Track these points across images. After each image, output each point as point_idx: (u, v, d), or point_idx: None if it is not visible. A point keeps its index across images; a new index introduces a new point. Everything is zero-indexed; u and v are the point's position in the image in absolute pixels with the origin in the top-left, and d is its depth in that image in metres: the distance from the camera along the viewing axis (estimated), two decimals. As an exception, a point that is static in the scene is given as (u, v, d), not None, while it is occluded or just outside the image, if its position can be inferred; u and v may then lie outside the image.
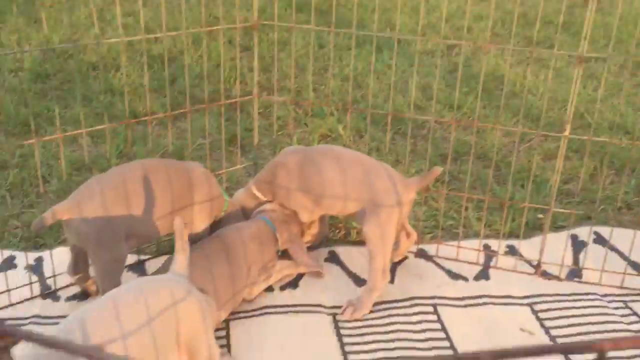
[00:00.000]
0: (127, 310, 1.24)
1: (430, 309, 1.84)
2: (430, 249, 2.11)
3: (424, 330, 1.75)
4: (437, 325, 1.76)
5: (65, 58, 3.69)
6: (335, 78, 3.51)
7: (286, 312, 1.80)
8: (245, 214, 2.01)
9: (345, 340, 1.71)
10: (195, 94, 3.20)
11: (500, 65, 3.75)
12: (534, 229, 2.24)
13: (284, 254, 1.97)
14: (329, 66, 3.05)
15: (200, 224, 1.85)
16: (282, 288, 1.91)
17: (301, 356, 1.64)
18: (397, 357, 1.65)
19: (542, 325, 1.77)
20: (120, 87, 3.28)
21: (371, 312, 1.81)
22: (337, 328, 1.76)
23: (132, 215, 1.64)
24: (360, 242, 2.16)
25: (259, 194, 1.98)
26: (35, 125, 2.83)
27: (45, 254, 2.00)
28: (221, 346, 1.65)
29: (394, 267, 2.01)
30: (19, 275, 1.90)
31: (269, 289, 1.90)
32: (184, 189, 1.77)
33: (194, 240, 1.81)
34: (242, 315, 1.78)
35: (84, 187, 1.65)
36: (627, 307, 1.85)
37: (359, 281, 1.95)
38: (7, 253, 2.00)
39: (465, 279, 1.98)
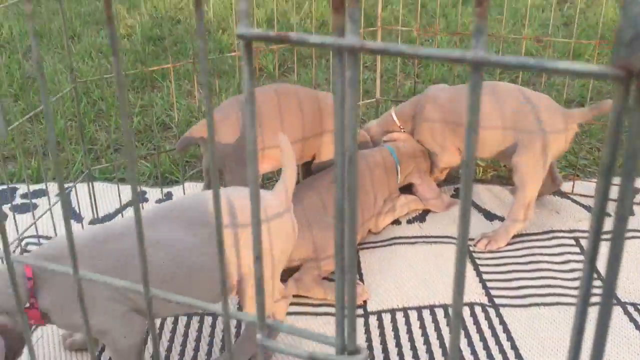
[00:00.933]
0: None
1: (572, 241, 1.72)
2: (566, 187, 1.97)
3: (567, 262, 1.64)
4: (581, 257, 1.64)
5: (174, 24, 3.78)
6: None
7: (415, 242, 1.74)
8: (374, 144, 1.96)
9: (482, 269, 1.63)
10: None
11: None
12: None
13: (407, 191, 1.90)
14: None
15: (328, 154, 1.81)
16: (409, 221, 1.84)
17: (435, 279, 1.58)
18: (542, 286, 1.55)
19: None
20: (229, 45, 3.32)
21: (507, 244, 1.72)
22: (472, 257, 1.68)
23: (263, 138, 1.63)
24: (485, 180, 2.05)
25: (397, 121, 1.91)
26: (152, 79, 2.91)
27: (174, 188, 2.05)
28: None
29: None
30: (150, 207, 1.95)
31: (396, 222, 1.84)
32: (315, 116, 1.74)
33: (318, 170, 1.78)
34: (370, 245, 1.74)
35: (220, 108, 1.66)
36: None
37: (490, 216, 1.86)
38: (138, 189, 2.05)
39: (608, 214, 1.84)
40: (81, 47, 3.35)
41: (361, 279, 1.60)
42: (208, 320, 1.47)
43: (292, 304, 1.52)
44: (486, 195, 1.97)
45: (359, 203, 1.67)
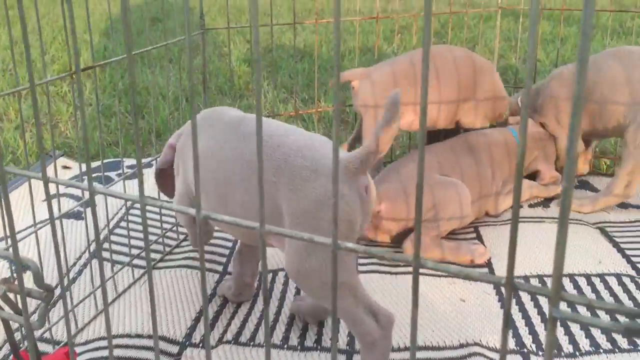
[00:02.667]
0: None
1: None
2: None
3: None
4: None
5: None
6: None
7: (541, 222, 1.58)
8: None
9: (623, 245, 1.45)
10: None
11: None
12: None
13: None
14: None
15: (477, 122, 1.71)
16: (531, 206, 1.69)
17: (574, 252, 1.41)
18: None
19: None
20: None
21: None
22: (608, 235, 1.50)
23: (417, 93, 1.59)
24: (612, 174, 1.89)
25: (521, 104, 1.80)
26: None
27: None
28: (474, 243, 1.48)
29: None
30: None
31: (516, 205, 1.69)
32: (469, 79, 1.66)
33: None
34: (490, 223, 1.60)
35: (378, 64, 1.68)
36: None
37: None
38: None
39: None
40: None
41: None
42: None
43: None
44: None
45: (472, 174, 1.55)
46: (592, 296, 1.26)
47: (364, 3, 5.38)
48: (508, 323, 0.41)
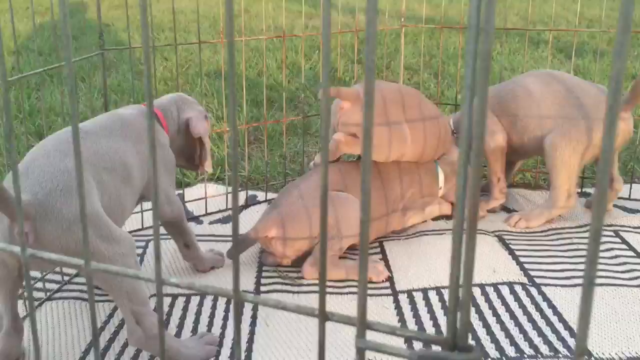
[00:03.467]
0: None
1: (612, 233, 1.60)
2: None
3: (610, 249, 1.52)
4: (624, 246, 1.53)
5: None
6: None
7: (443, 234, 1.63)
8: None
9: (518, 253, 1.51)
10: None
11: None
12: None
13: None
14: None
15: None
16: (434, 219, 1.74)
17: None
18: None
19: None
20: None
21: (543, 233, 1.61)
22: (505, 243, 1.56)
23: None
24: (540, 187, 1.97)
25: (452, 125, 1.82)
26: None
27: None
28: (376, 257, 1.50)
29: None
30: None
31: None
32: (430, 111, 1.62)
33: None
34: (394, 238, 1.62)
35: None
36: None
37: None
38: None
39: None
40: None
41: (387, 265, 1.48)
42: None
43: (308, 284, 1.39)
44: (530, 200, 1.87)
45: (383, 187, 1.56)
46: (485, 305, 1.30)
47: (286, 20, 5.42)
48: (323, 354, 0.41)
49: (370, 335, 1.18)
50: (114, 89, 3.02)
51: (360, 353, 0.39)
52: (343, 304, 1.31)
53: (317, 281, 1.39)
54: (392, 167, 1.61)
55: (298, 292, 1.36)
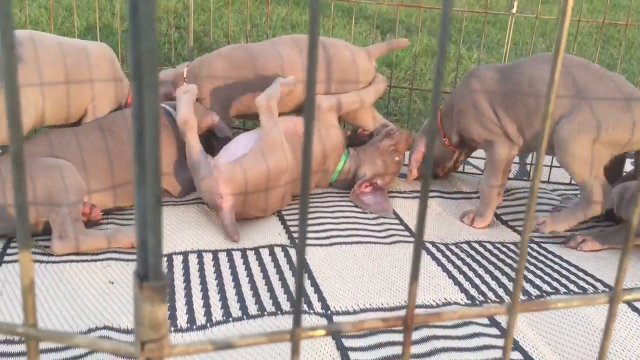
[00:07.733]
0: None
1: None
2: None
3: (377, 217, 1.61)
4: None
5: None
6: None
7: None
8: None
9: (287, 217, 1.55)
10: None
11: None
12: None
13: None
14: None
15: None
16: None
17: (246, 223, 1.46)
18: (345, 229, 1.50)
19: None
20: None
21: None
22: (280, 215, 1.60)
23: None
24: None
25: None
26: None
27: None
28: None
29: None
30: None
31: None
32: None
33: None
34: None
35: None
36: None
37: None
38: None
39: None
40: None
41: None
42: None
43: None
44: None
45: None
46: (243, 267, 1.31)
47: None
48: None
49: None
50: None
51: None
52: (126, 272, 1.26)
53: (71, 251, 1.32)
54: (122, 129, 1.53)
55: (47, 262, 1.28)
